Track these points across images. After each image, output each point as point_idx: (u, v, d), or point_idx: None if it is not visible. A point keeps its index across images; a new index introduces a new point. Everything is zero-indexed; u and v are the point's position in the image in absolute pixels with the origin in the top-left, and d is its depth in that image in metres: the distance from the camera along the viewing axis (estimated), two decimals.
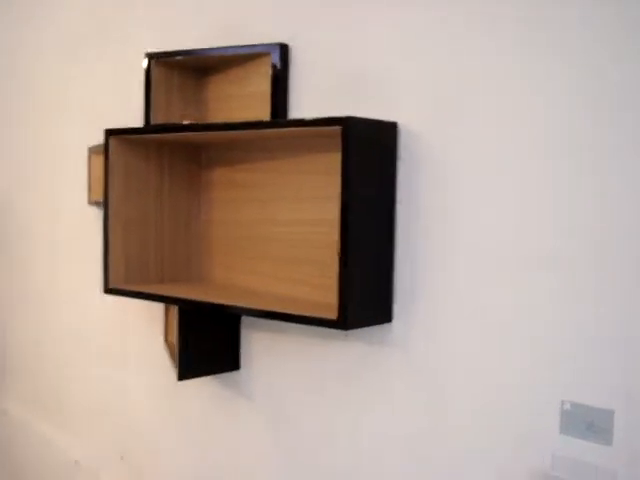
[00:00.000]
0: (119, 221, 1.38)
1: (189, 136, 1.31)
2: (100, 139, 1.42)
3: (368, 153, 1.09)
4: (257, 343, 1.41)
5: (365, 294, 1.10)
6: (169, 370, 1.64)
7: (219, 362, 1.43)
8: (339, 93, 1.23)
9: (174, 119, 1.45)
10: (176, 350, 1.36)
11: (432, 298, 1.09)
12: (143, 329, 1.72)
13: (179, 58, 1.41)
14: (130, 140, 1.38)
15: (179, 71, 1.46)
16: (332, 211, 1.19)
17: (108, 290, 1.38)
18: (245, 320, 1.44)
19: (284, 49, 1.30)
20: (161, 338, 1.65)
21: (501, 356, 1.01)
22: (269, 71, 1.31)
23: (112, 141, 1.36)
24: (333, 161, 1.16)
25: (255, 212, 1.36)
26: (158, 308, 1.66)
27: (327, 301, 1.21)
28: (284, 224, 1.30)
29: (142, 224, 1.42)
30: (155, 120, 1.43)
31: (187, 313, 1.36)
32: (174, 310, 1.55)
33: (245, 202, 1.38)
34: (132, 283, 1.41)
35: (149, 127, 1.38)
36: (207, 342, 1.40)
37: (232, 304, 1.22)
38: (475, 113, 1.04)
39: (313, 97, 1.28)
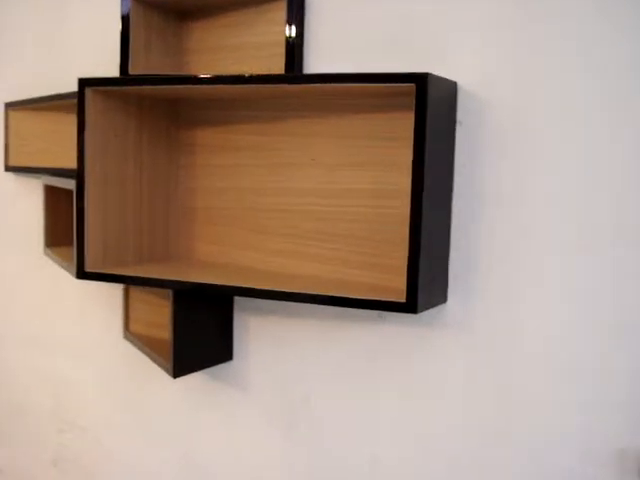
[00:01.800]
0: (96, 191, 1.14)
1: (191, 90, 1.10)
2: (18, 93, 1.17)
3: (437, 117, 0.97)
4: (255, 329, 1.25)
5: (428, 273, 0.99)
6: (131, 363, 1.43)
7: (212, 353, 1.25)
8: (367, 45, 1.09)
9: (154, 71, 1.22)
10: (171, 342, 1.16)
11: (491, 274, 1.01)
12: (94, 317, 1.48)
13: None
14: (109, 93, 1.14)
15: (159, 13, 1.23)
16: (366, 180, 1.07)
17: (83, 274, 1.14)
18: (238, 303, 1.27)
19: None
20: (118, 327, 1.42)
21: (576, 340, 0.96)
22: (283, 17, 1.13)
23: (89, 94, 1.11)
24: (369, 124, 1.07)
25: (260, 179, 1.19)
26: (115, 293, 1.43)
27: (366, 280, 1.09)
28: (295, 193, 1.15)
29: (120, 194, 1.19)
30: (134, 71, 1.19)
31: (181, 299, 1.17)
32: (137, 295, 1.34)
33: (249, 168, 1.20)
34: (110, 264, 1.18)
35: (141, 77, 1.13)
36: (201, 331, 1.22)
37: (257, 287, 1.05)
38: (551, 76, 0.96)
39: (334, 49, 1.13)
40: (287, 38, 1.13)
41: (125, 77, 1.15)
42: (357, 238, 1.10)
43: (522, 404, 1.00)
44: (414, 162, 0.93)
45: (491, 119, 1.00)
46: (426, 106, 0.92)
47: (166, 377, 1.34)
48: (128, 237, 1.21)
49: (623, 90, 0.90)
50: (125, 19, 1.18)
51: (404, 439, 1.11)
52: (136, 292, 1.37)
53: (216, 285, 1.08)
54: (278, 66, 1.15)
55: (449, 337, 1.06)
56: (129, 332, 1.37)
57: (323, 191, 1.12)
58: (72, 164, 1.35)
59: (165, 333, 1.31)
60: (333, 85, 0.98)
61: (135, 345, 1.34)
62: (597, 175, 0.93)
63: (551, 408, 0.98)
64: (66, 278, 1.46)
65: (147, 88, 1.10)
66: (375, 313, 1.11)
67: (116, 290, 1.42)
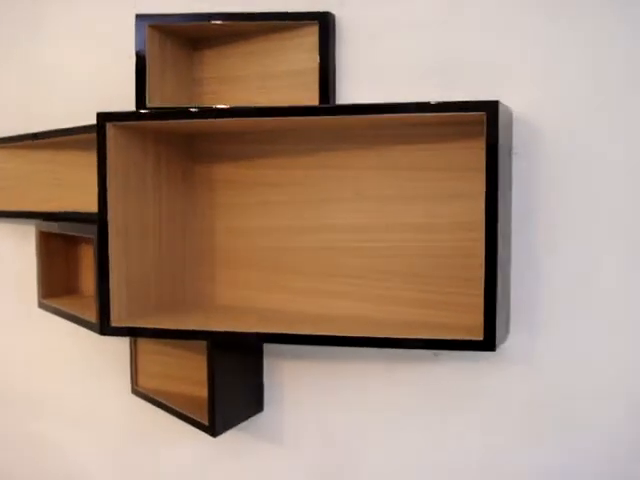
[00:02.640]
0: (119, 238, 1.03)
1: (224, 123, 1.01)
2: None
3: (502, 147, 0.93)
4: (287, 375, 1.17)
5: (502, 308, 0.95)
6: (142, 421, 1.32)
7: (246, 405, 1.16)
8: (399, 75, 1.05)
9: (169, 103, 1.13)
10: (209, 397, 1.06)
11: (552, 308, 0.99)
12: (97, 372, 1.35)
13: (182, 24, 1.09)
14: (127, 128, 1.04)
15: (172, 40, 1.13)
16: (415, 214, 1.02)
17: (110, 330, 1.03)
18: (267, 347, 1.18)
19: (330, 18, 1.07)
20: (125, 383, 1.30)
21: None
22: (316, 44, 1.07)
23: (110, 130, 1.01)
24: (409, 154, 1.02)
25: (282, 217, 1.12)
26: (118, 345, 1.31)
27: (423, 319, 1.03)
28: (334, 229, 1.08)
29: (141, 238, 1.08)
30: (151, 103, 1.10)
31: (216, 350, 1.07)
32: (147, 346, 1.23)
33: (271, 205, 1.13)
34: (134, 316, 1.07)
35: (175, 110, 1.01)
36: (236, 382, 1.12)
37: (310, 333, 0.97)
38: (605, 109, 0.94)
39: (363, 78, 1.08)
40: (320, 65, 1.07)
41: (152, 110, 1.04)
42: (406, 275, 1.04)
43: (587, 442, 0.97)
44: (488, 193, 0.88)
45: (543, 149, 0.98)
46: (498, 135, 0.88)
47: (185, 435, 1.23)
48: (150, 284, 1.10)
49: None
50: (140, 48, 1.08)
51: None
52: (146, 343, 1.26)
53: (260, 333, 0.99)
54: (309, 95, 1.08)
55: (510, 372, 1.02)
56: (139, 387, 1.25)
57: (368, 226, 1.06)
58: (65, 206, 1.24)
59: (187, 386, 1.21)
60: (389, 116, 0.93)
61: (152, 401, 1.22)
62: None
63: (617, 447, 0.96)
64: (63, 331, 1.33)
65: (171, 122, 1.00)
66: (430, 352, 1.06)
67: (120, 342, 1.30)
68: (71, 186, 1.30)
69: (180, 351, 1.23)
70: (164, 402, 1.18)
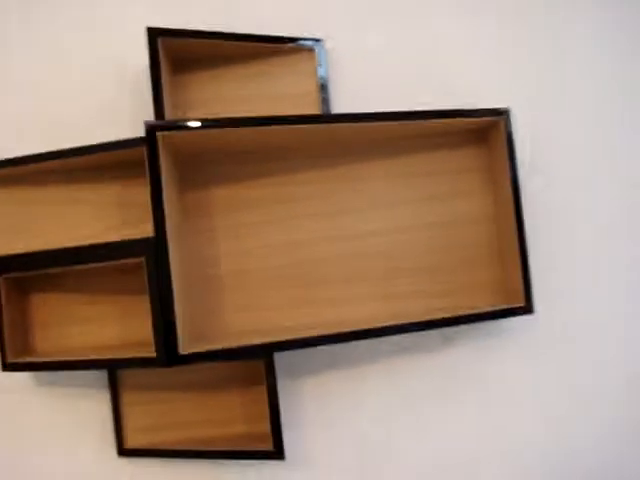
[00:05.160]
0: (180, 269, 0.95)
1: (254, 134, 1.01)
2: None
3: None
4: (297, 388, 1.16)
5: None
6: None
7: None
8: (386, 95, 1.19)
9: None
10: (272, 418, 1.01)
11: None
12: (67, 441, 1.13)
13: (196, 40, 1.06)
14: (169, 143, 0.97)
15: (172, 57, 1.09)
16: (421, 214, 1.16)
17: (179, 359, 0.92)
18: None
19: (323, 44, 1.17)
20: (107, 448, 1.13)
21: None
22: (314, 69, 1.15)
23: (162, 142, 0.93)
24: (421, 161, 1.16)
25: (307, 229, 1.15)
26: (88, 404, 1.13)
27: (444, 306, 1.15)
28: (351, 238, 1.15)
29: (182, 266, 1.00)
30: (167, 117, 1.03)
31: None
32: (132, 398, 1.12)
33: (283, 221, 1.14)
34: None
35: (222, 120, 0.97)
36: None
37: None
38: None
39: (353, 101, 1.19)
40: (319, 86, 1.15)
41: (204, 120, 0.98)
42: (423, 270, 1.16)
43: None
44: (513, 185, 1.08)
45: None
46: (512, 136, 1.09)
47: None
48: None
49: None
50: (154, 62, 1.03)
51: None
52: (131, 394, 1.12)
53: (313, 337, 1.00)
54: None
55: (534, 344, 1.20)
56: (123, 450, 1.10)
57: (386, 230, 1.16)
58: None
59: (189, 431, 1.11)
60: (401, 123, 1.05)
61: (165, 454, 1.08)
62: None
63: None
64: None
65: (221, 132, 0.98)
66: (442, 338, 1.18)
67: (89, 401, 1.12)
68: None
69: (172, 394, 1.13)
70: (195, 449, 1.06)
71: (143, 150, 0.97)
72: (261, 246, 1.13)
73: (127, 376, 1.12)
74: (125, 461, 1.12)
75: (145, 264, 0.93)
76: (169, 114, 1.07)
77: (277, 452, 1.02)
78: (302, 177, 1.14)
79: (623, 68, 1.22)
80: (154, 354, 0.93)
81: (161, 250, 0.92)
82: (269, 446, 1.02)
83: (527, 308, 1.08)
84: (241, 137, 1.02)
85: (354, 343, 1.16)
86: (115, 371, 1.11)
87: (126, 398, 1.12)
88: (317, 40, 1.16)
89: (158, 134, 0.93)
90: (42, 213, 1.11)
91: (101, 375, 1.13)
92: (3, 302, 1.04)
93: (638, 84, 1.23)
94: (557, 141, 1.20)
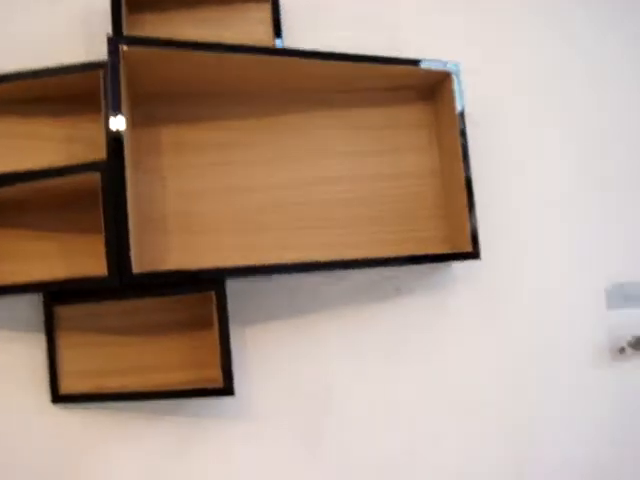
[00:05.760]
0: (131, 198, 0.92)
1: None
2: None
3: None
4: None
5: None
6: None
7: None
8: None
9: None
10: (222, 352, 0.98)
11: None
12: None
13: None
14: (131, 59, 0.95)
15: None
16: (371, 166, 1.18)
17: (130, 278, 0.88)
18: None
19: None
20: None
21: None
22: (269, 18, 1.16)
23: (123, 53, 0.91)
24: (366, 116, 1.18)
25: (252, 176, 1.14)
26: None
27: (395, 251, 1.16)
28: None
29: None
30: None
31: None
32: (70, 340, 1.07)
33: (233, 165, 1.13)
34: None
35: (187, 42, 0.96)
36: None
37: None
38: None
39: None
40: (273, 34, 1.16)
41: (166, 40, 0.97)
42: (372, 218, 1.17)
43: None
44: (462, 145, 1.11)
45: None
46: (462, 91, 1.13)
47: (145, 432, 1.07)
48: None
49: None
50: None
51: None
52: (68, 336, 1.06)
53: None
54: None
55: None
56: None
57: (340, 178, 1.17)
58: None
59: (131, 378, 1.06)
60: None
61: (106, 398, 1.02)
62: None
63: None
64: None
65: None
66: (392, 289, 1.19)
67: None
68: None
69: (115, 338, 1.08)
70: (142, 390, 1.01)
71: (99, 78, 0.96)
72: (210, 189, 1.11)
73: (65, 318, 1.06)
74: (59, 408, 1.06)
75: (100, 180, 0.90)
76: None
77: (227, 389, 0.98)
78: (252, 123, 1.14)
79: (561, 18, 1.30)
80: (105, 272, 0.89)
81: (117, 162, 0.89)
82: (219, 384, 0.99)
83: (474, 253, 1.10)
84: (199, 67, 1.01)
85: (305, 291, 1.15)
86: (52, 309, 1.04)
87: (63, 340, 1.06)
88: None
89: (120, 47, 0.92)
90: None
91: (37, 315, 1.07)
92: None
93: (576, 32, 1.30)
94: (499, 93, 1.26)
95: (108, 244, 0.88)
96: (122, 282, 0.88)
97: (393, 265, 1.08)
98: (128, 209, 0.89)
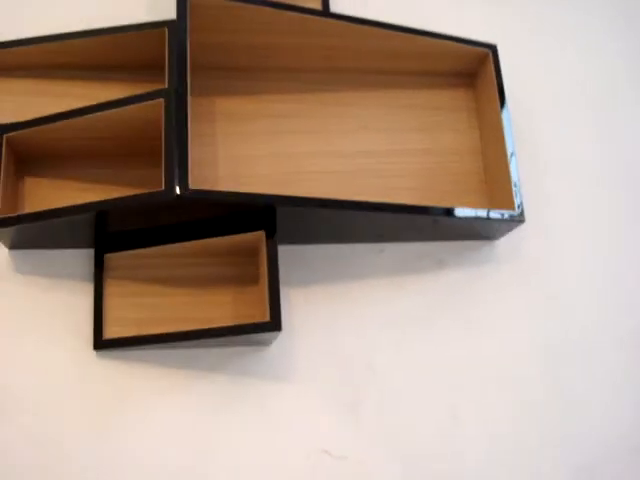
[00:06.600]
0: None
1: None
2: None
3: None
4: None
5: None
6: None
7: None
8: None
9: None
10: (271, 284, 0.97)
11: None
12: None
13: None
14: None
15: None
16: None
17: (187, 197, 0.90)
18: None
19: None
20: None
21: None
22: None
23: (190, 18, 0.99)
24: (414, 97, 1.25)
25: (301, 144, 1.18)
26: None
27: None
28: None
29: None
30: None
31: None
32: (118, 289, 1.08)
33: (284, 134, 1.18)
34: None
35: None
36: None
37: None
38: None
39: None
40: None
41: None
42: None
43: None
44: (502, 118, 1.15)
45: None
46: (500, 73, 1.19)
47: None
48: None
49: None
50: None
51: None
52: (117, 285, 1.07)
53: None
54: None
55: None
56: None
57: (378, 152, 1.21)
58: None
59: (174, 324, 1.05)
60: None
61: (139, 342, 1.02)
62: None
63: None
64: None
65: None
66: (435, 262, 1.19)
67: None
68: None
69: (162, 289, 1.08)
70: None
71: (156, 47, 1.03)
72: (259, 155, 1.16)
73: (114, 267, 1.08)
74: (100, 356, 1.05)
75: (164, 104, 0.95)
76: None
77: (274, 323, 0.97)
78: (300, 98, 1.21)
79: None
80: (162, 188, 0.92)
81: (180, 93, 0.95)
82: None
83: (520, 218, 1.12)
84: (261, 34, 1.10)
85: (347, 260, 1.16)
86: (102, 256, 1.07)
87: (110, 289, 1.07)
88: None
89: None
90: (49, 105, 1.12)
91: (87, 263, 1.08)
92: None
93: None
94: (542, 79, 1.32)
95: (167, 157, 0.91)
96: (179, 197, 0.90)
97: (434, 214, 1.08)
98: (189, 132, 0.94)
